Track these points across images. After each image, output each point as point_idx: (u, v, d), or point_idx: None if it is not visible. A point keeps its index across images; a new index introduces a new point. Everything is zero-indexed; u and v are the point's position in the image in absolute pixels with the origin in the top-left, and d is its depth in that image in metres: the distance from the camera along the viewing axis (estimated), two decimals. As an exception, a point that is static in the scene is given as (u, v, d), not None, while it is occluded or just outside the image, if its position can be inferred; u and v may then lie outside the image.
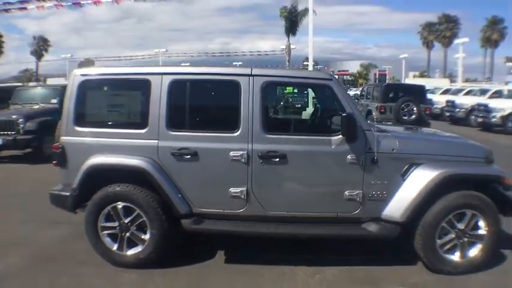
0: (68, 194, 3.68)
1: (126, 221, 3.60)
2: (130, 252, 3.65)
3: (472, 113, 17.18)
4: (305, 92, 12.52)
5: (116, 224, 3.63)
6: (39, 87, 11.82)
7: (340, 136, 3.58)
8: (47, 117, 9.09)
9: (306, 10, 34.42)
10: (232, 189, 3.59)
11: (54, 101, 9.80)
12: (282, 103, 9.04)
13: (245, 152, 3.55)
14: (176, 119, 3.67)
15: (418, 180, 3.62)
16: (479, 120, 15.99)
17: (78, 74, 3.83)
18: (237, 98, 3.59)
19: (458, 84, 31.64)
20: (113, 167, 3.60)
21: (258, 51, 51.76)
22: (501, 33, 43.50)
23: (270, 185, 3.64)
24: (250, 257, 3.97)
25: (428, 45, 52.37)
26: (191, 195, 3.61)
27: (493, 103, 15.85)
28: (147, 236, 3.60)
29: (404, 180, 3.69)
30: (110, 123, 3.88)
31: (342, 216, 3.72)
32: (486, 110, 15.77)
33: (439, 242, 3.68)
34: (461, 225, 3.69)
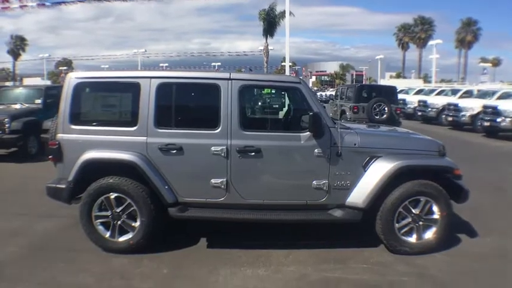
0: (64, 186, 4.04)
1: (118, 210, 4.00)
2: (122, 238, 4.05)
3: (442, 112, 18.04)
4: (282, 93, 13.08)
5: (109, 213, 4.01)
6: (23, 88, 11.91)
7: (308, 132, 4.07)
8: (31, 117, 9.30)
9: (284, 12, 35.09)
10: (213, 180, 4.04)
11: (38, 101, 9.99)
12: (259, 103, 9.59)
13: (224, 147, 4.00)
14: (163, 118, 4.07)
15: (377, 171, 4.13)
16: (450, 119, 16.78)
17: (73, 77, 4.20)
18: (218, 99, 4.04)
19: (432, 84, 32.78)
20: (105, 161, 3.98)
21: (237, 52, 52.19)
22: (475, 35, 45.30)
23: (247, 176, 4.10)
24: (229, 242, 4.41)
25: (404, 46, 53.74)
26: (177, 186, 4.04)
27: (463, 103, 16.66)
28: (137, 224, 4.00)
29: (365, 171, 4.20)
30: (102, 121, 4.26)
31: (311, 204, 4.22)
32: (456, 109, 16.60)
33: (397, 225, 4.20)
34: (416, 211, 4.22)
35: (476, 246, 4.50)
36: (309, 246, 4.38)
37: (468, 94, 19.02)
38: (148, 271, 3.78)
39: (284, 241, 4.47)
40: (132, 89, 4.12)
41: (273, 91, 8.07)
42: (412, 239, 4.26)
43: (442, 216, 4.21)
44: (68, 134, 4.09)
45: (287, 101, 5.63)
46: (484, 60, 50.43)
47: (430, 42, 35.94)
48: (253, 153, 4.03)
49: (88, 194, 3.98)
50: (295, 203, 4.22)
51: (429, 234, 4.27)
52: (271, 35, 34.64)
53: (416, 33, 49.92)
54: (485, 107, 14.58)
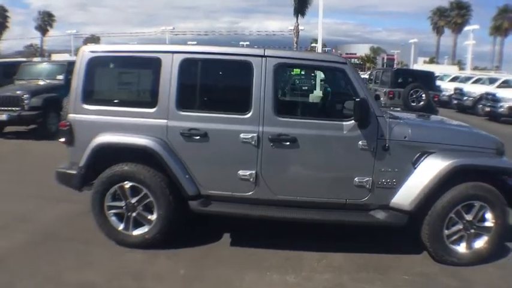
0: (74, 172, 3.65)
1: (133, 201, 3.59)
2: (136, 232, 3.65)
3: (479, 101, 16.96)
4: (312, 75, 12.41)
5: (123, 203, 3.61)
6: (45, 63, 11.71)
7: (352, 121, 3.52)
8: (52, 94, 9.03)
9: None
10: (241, 172, 3.57)
11: (60, 77, 9.73)
12: (288, 85, 8.76)
13: (256, 134, 3.51)
14: (186, 99, 3.61)
15: (429, 169, 3.57)
16: (487, 109, 15.75)
17: (87, 51, 3.73)
18: (249, 79, 3.52)
19: (467, 71, 31.18)
20: (121, 146, 3.55)
21: (266, 31, 51.05)
22: (512, 22, 42.65)
23: (279, 169, 3.60)
24: (256, 240, 3.95)
25: (439, 30, 51.36)
26: (199, 176, 3.59)
27: (501, 93, 15.60)
28: (153, 217, 3.59)
29: (415, 168, 3.64)
30: (118, 101, 3.80)
31: (350, 203, 3.70)
32: (494, 99, 15.54)
33: (446, 232, 3.66)
34: (469, 217, 3.66)
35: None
36: (344, 249, 3.88)
37: (506, 84, 17.86)
38: (163, 271, 3.38)
39: (316, 242, 3.99)
40: (152, 65, 3.65)
41: (303, 72, 7.18)
42: (461, 248, 3.72)
43: (497, 224, 3.66)
44: (80, 114, 3.68)
45: (318, 83, 4.98)
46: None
47: (466, 28, 34.08)
48: (287, 143, 3.52)
49: (100, 182, 3.58)
50: (332, 201, 3.71)
51: (480, 244, 3.73)
52: (303, 14, 33.46)
53: (452, 18, 47.45)
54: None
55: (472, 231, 3.68)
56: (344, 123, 3.57)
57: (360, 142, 3.55)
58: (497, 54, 47.99)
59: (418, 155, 3.64)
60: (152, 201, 3.56)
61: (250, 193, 3.62)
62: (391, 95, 12.75)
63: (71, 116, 3.71)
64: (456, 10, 47.22)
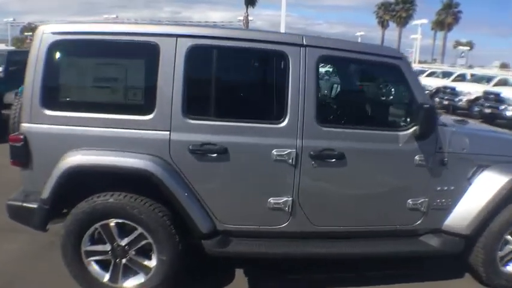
0: (34, 206, 2.57)
1: (123, 243, 2.59)
2: (129, 283, 2.66)
3: (437, 95, 17.33)
4: (336, 70, 10.97)
5: (108, 247, 2.60)
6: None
7: (410, 131, 2.82)
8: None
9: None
10: (272, 200, 2.71)
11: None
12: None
13: (293, 150, 2.65)
14: (197, 102, 2.68)
15: (487, 186, 3.05)
16: (445, 102, 16.13)
17: (48, 32, 2.58)
18: (284, 76, 2.65)
19: (416, 65, 32.31)
20: (103, 168, 2.53)
21: (214, 21, 49.36)
22: (455, 16, 44.98)
23: (322, 194, 2.81)
24: (277, 278, 3.14)
25: (384, 24, 53.07)
26: (216, 207, 2.68)
27: (460, 86, 16.07)
28: (152, 263, 2.63)
29: (470, 185, 3.09)
30: (96, 105, 2.71)
31: (401, 229, 3.05)
32: (452, 93, 15.97)
33: (500, 254, 3.21)
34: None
35: None
36: (378, 280, 3.20)
37: (461, 78, 18.52)
38: None
39: (341, 271, 3.31)
40: (145, 53, 2.67)
41: (330, 68, 5.73)
42: (511, 269, 3.30)
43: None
44: (40, 123, 2.59)
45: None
46: (458, 43, 50.60)
47: (415, 22, 35.10)
48: (333, 160, 2.72)
49: (74, 220, 2.53)
50: (381, 229, 3.02)
51: None
52: (253, 4, 32.72)
53: (397, 12, 49.21)
54: (486, 93, 14.04)
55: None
56: (400, 133, 2.85)
57: (416, 157, 2.87)
58: (439, 48, 50.64)
59: (474, 169, 3.08)
60: (150, 242, 2.59)
61: (283, 225, 2.77)
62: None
63: (26, 126, 2.60)
64: (401, 4, 48.96)
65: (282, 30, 16.11)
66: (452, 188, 3.03)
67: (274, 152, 2.64)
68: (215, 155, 2.59)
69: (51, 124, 2.58)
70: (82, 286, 2.66)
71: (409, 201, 2.95)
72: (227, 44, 2.69)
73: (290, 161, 2.66)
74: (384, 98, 3.45)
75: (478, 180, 3.08)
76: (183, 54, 2.57)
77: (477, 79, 17.27)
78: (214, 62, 2.76)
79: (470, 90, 15.40)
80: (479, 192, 3.04)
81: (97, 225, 2.55)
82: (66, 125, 2.58)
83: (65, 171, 2.47)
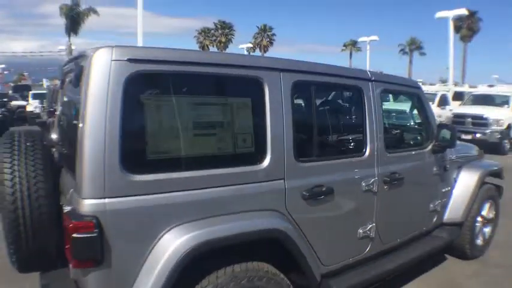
0: None
1: None
2: None
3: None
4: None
5: None
6: None
7: (430, 148, 3.38)
8: None
9: (90, 9, 31.34)
10: (361, 230, 2.78)
11: None
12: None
13: (375, 178, 2.79)
14: (304, 142, 2.48)
15: (466, 181, 3.85)
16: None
17: (122, 59, 1.81)
18: (362, 109, 2.77)
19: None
20: (230, 240, 2.01)
21: (32, 52, 43.35)
22: (270, 39, 51.28)
23: (390, 213, 3.01)
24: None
25: (205, 49, 56.21)
26: (320, 251, 2.52)
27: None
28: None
29: (456, 182, 3.85)
30: (197, 159, 2.08)
31: (425, 231, 3.55)
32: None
33: (475, 232, 4.04)
34: (484, 213, 4.15)
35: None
36: None
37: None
38: None
39: None
40: (246, 89, 2.28)
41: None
42: (480, 240, 4.20)
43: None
44: (123, 195, 1.82)
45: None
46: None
47: (241, 46, 38.49)
48: (396, 182, 2.96)
49: None
50: (417, 234, 3.44)
51: (487, 234, 4.29)
52: (76, 32, 30.19)
53: (217, 37, 52.83)
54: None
55: (484, 225, 4.19)
56: (425, 150, 3.38)
57: (434, 168, 3.45)
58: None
59: (457, 169, 3.87)
60: None
61: (366, 251, 2.85)
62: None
63: (97, 203, 1.77)
64: (220, 30, 52.88)
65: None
66: (448, 188, 3.73)
67: (363, 183, 2.73)
68: (322, 196, 2.47)
69: (139, 194, 1.86)
70: None
71: (431, 205, 3.49)
72: (323, 79, 2.63)
73: (374, 188, 2.78)
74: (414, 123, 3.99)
75: (460, 177, 3.86)
76: (289, 91, 2.32)
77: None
78: (313, 98, 2.61)
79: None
80: (462, 187, 3.82)
81: None
82: (161, 193, 1.91)
83: (184, 255, 1.85)
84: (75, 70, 2.00)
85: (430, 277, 3.77)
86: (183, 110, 2.07)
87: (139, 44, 14.49)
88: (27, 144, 2.12)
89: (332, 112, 3.11)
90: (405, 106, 5.70)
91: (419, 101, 3.49)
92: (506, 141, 11.11)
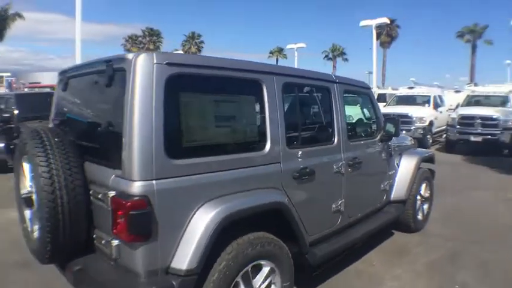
0: (173, 283, 2.12)
1: (257, 285, 2.56)
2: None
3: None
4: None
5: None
6: None
7: (379, 137, 4.09)
8: None
9: (16, 14, 28.94)
10: (334, 205, 3.34)
11: None
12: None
13: (343, 162, 3.38)
14: (292, 133, 2.98)
15: (406, 165, 4.63)
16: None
17: (162, 63, 2.16)
18: (330, 105, 3.36)
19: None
20: (247, 211, 2.43)
21: None
22: (198, 47, 51.26)
23: (354, 191, 3.58)
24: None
25: (132, 56, 54.45)
26: (306, 223, 2.99)
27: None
28: (276, 295, 2.69)
29: (398, 166, 4.61)
30: (219, 146, 2.50)
31: (378, 207, 4.24)
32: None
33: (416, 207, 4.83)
34: (422, 192, 4.93)
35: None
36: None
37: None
38: None
39: None
40: (250, 90, 2.73)
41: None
42: (420, 216, 4.97)
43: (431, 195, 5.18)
44: (167, 177, 2.16)
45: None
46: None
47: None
48: (357, 165, 3.57)
49: (220, 280, 2.29)
50: (373, 209, 4.12)
51: (425, 211, 5.08)
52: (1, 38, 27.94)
53: (144, 44, 51.61)
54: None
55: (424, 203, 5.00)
56: (376, 139, 4.09)
57: (382, 154, 4.15)
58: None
59: (398, 156, 4.63)
60: (276, 275, 2.67)
61: (337, 224, 3.42)
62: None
63: (147, 184, 2.08)
64: (148, 37, 51.74)
65: (77, 60, 14.86)
66: (393, 171, 4.47)
67: (334, 166, 3.30)
68: (307, 177, 2.96)
69: (178, 176, 2.19)
70: None
71: (381, 185, 4.18)
72: (303, 81, 3.22)
73: (341, 170, 3.36)
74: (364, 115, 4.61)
75: (401, 162, 4.62)
76: (280, 91, 2.82)
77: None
78: (297, 96, 3.14)
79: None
80: (403, 170, 4.58)
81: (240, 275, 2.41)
82: (194, 174, 2.27)
83: (219, 225, 2.22)
84: (108, 72, 2.23)
85: (384, 247, 4.46)
86: (208, 105, 2.49)
87: (78, 50, 14.10)
88: (56, 139, 2.30)
89: (309, 108, 3.67)
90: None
91: (370, 99, 4.23)
92: (428, 136, 12.40)
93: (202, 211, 2.25)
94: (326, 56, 52.54)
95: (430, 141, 12.71)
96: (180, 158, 2.22)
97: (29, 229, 2.65)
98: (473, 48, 45.25)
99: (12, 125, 6.91)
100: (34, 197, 2.38)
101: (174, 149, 2.19)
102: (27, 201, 2.49)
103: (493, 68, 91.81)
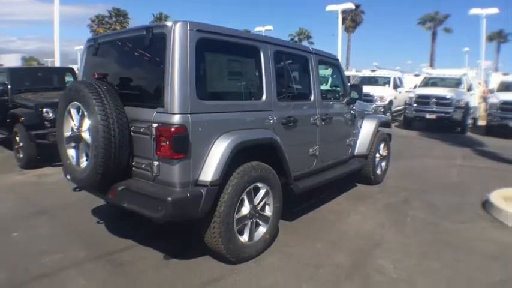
0: (202, 191, 2.88)
1: (256, 202, 3.39)
2: (257, 236, 3.45)
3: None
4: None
5: (248, 209, 3.30)
6: None
7: (345, 101, 5.00)
8: None
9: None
10: (310, 150, 4.23)
11: None
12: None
13: (318, 116, 4.28)
14: (281, 89, 3.84)
15: (367, 126, 5.60)
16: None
17: (193, 29, 2.92)
18: (308, 71, 4.30)
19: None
20: (251, 142, 3.27)
21: None
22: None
23: (325, 141, 4.47)
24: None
25: (99, 37, 53.00)
26: (291, 160, 3.79)
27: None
28: (269, 213, 3.52)
29: (360, 127, 5.57)
30: (229, 94, 3.47)
31: (344, 158, 5.16)
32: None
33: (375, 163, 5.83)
34: (381, 151, 5.94)
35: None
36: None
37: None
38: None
39: None
40: (251, 54, 3.58)
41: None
42: (379, 171, 5.97)
43: (388, 154, 6.17)
44: (198, 113, 2.95)
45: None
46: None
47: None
48: (328, 120, 4.46)
49: (233, 191, 3.09)
50: (341, 159, 5.05)
51: (383, 167, 6.09)
52: None
53: (111, 25, 50.36)
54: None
55: (382, 161, 5.97)
56: (342, 102, 5.00)
57: (348, 115, 5.07)
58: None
59: (361, 119, 5.57)
60: (270, 197, 3.50)
61: (313, 166, 4.33)
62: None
63: (185, 116, 2.84)
64: (115, 17, 50.50)
65: (55, 41, 15.09)
66: (356, 130, 5.40)
67: (311, 118, 4.18)
68: (291, 124, 3.83)
69: (205, 113, 3.00)
70: (227, 254, 3.18)
71: (347, 140, 5.11)
72: (285, 50, 4.04)
73: (317, 122, 4.25)
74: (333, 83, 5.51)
75: (363, 124, 5.56)
76: (272, 56, 3.70)
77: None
78: (283, 61, 3.99)
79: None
80: (365, 130, 5.53)
81: (247, 189, 3.23)
82: (215, 112, 3.10)
83: (233, 149, 3.02)
84: (148, 36, 2.95)
85: (350, 194, 5.42)
86: (224, 62, 3.51)
87: (56, 30, 15.02)
88: (104, 88, 2.99)
89: (293, 71, 4.47)
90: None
91: (339, 68, 5.19)
92: (388, 114, 13.62)
93: (221, 139, 3.07)
94: (292, 39, 53.40)
95: (390, 118, 13.91)
96: (206, 99, 3.05)
97: (74, 163, 3.32)
98: (434, 35, 47.56)
99: (6, 97, 7.30)
100: (85, 134, 3.06)
101: (202, 92, 2.99)
102: (76, 139, 3.18)
103: (452, 54, 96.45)
